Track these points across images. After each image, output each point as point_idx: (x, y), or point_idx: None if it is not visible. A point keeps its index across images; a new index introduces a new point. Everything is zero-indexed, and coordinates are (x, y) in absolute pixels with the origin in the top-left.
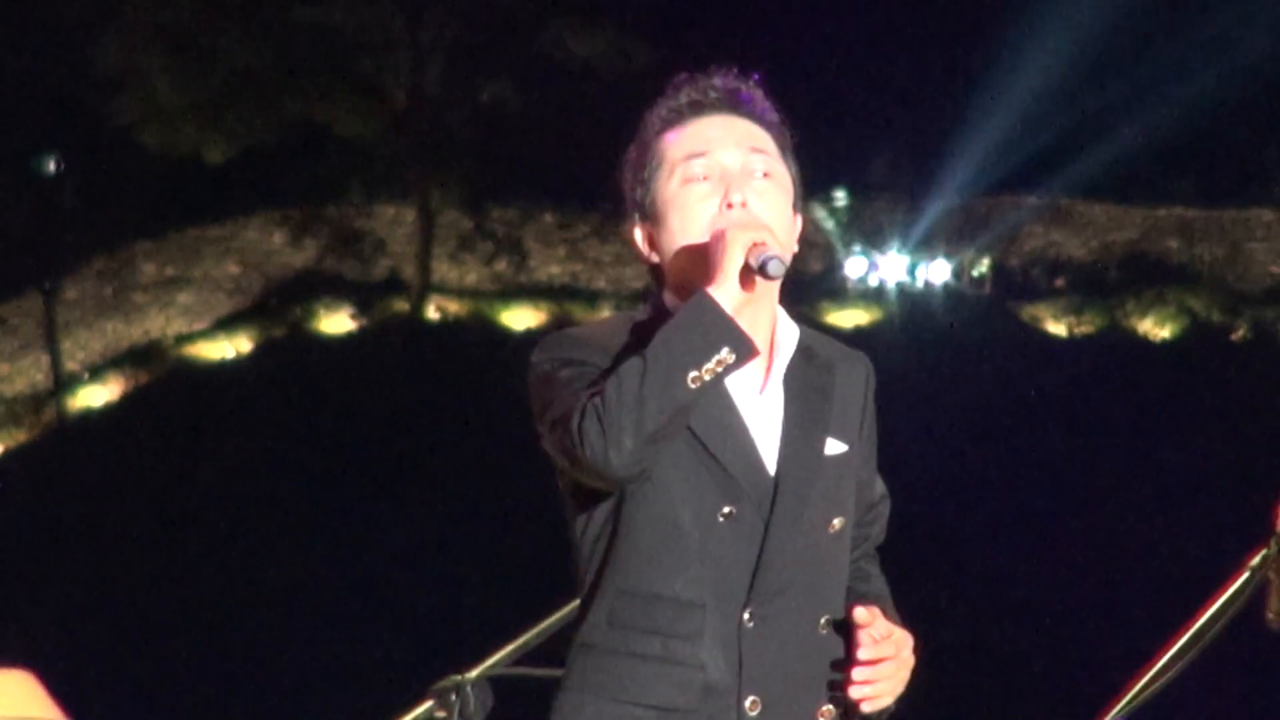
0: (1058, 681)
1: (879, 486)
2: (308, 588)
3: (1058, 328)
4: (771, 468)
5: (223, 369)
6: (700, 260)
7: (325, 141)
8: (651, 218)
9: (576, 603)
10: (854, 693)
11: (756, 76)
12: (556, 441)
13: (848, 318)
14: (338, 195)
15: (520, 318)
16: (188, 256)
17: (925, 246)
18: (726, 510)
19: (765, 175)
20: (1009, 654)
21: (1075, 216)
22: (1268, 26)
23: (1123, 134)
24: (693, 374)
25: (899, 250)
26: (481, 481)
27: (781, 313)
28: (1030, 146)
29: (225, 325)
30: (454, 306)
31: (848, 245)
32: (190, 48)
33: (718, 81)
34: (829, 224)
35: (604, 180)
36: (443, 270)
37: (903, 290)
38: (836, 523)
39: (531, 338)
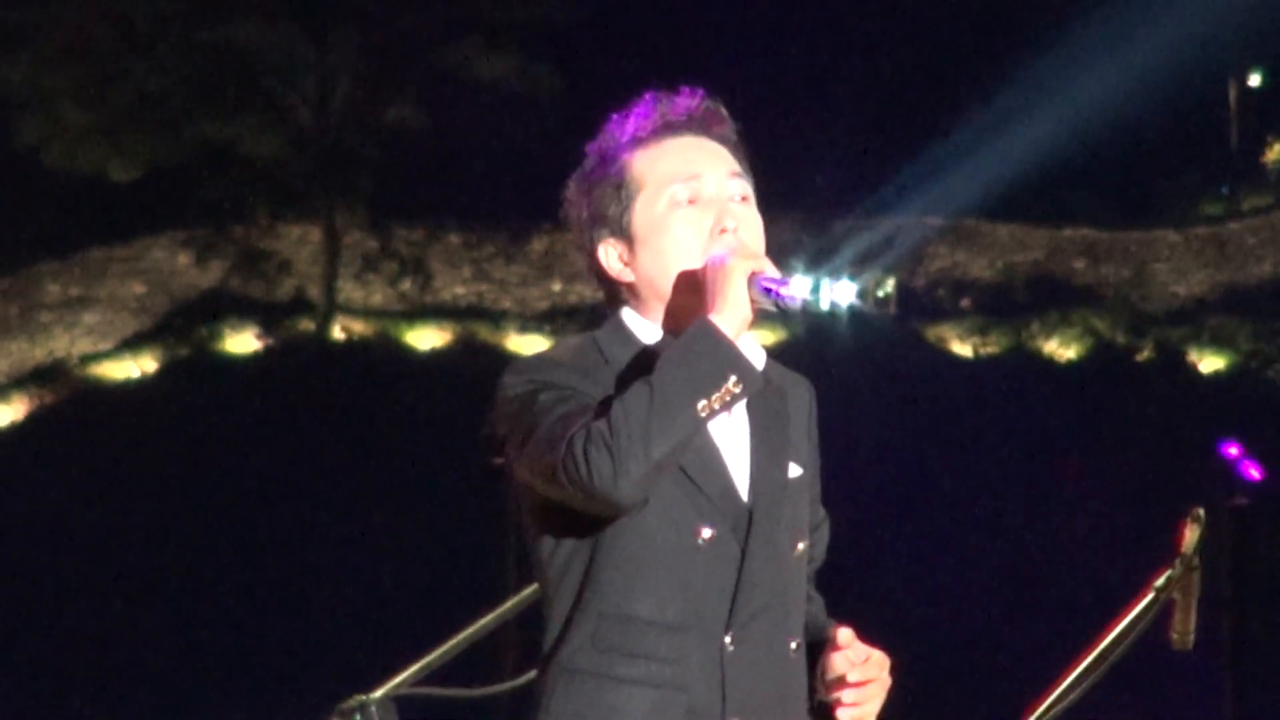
0: (962, 704)
1: (822, 511)
2: (212, 607)
3: (963, 348)
4: (744, 491)
5: (128, 389)
6: (691, 286)
7: (231, 162)
8: (630, 238)
9: (481, 623)
10: (843, 715)
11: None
12: (548, 466)
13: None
14: (243, 215)
15: (425, 338)
16: (93, 276)
17: (830, 266)
18: (707, 534)
19: (745, 200)
20: (910, 676)
21: (980, 237)
22: (1172, 49)
23: (1028, 155)
24: (702, 403)
25: (804, 271)
26: (387, 501)
27: (748, 335)
28: (936, 167)
29: (130, 345)
30: (359, 326)
31: None
32: (97, 68)
33: (689, 102)
34: None
35: (509, 200)
36: (348, 290)
37: (807, 311)
38: (800, 546)
39: (437, 358)
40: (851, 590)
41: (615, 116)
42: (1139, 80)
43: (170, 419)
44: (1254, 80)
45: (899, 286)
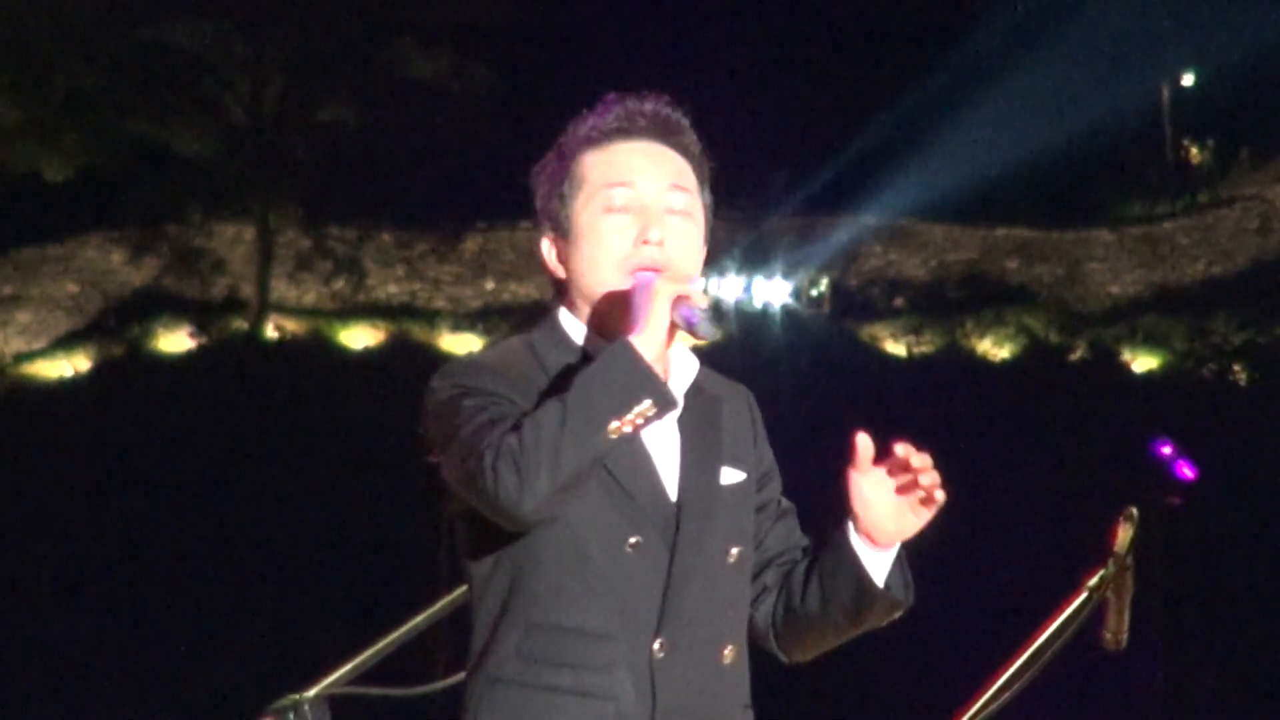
0: (894, 703)
1: (780, 502)
2: (145, 606)
3: (897, 347)
4: (673, 496)
5: (61, 388)
6: (619, 301)
7: (164, 160)
8: (565, 236)
9: (413, 623)
10: (926, 480)
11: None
12: (464, 475)
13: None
14: (177, 214)
15: (358, 337)
16: (25, 275)
17: (763, 266)
18: (634, 540)
19: (684, 214)
20: (844, 674)
21: (914, 236)
22: (1106, 49)
23: (961, 154)
24: (614, 424)
25: (736, 270)
26: (319, 500)
27: (680, 345)
28: (869, 166)
29: (63, 344)
30: (292, 325)
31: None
32: (29, 66)
33: (648, 107)
34: None
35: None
36: (281, 289)
37: (740, 310)
38: (735, 551)
39: (370, 356)
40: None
41: (584, 112)
42: (1072, 80)
43: (103, 418)
44: (1187, 80)
45: (833, 286)
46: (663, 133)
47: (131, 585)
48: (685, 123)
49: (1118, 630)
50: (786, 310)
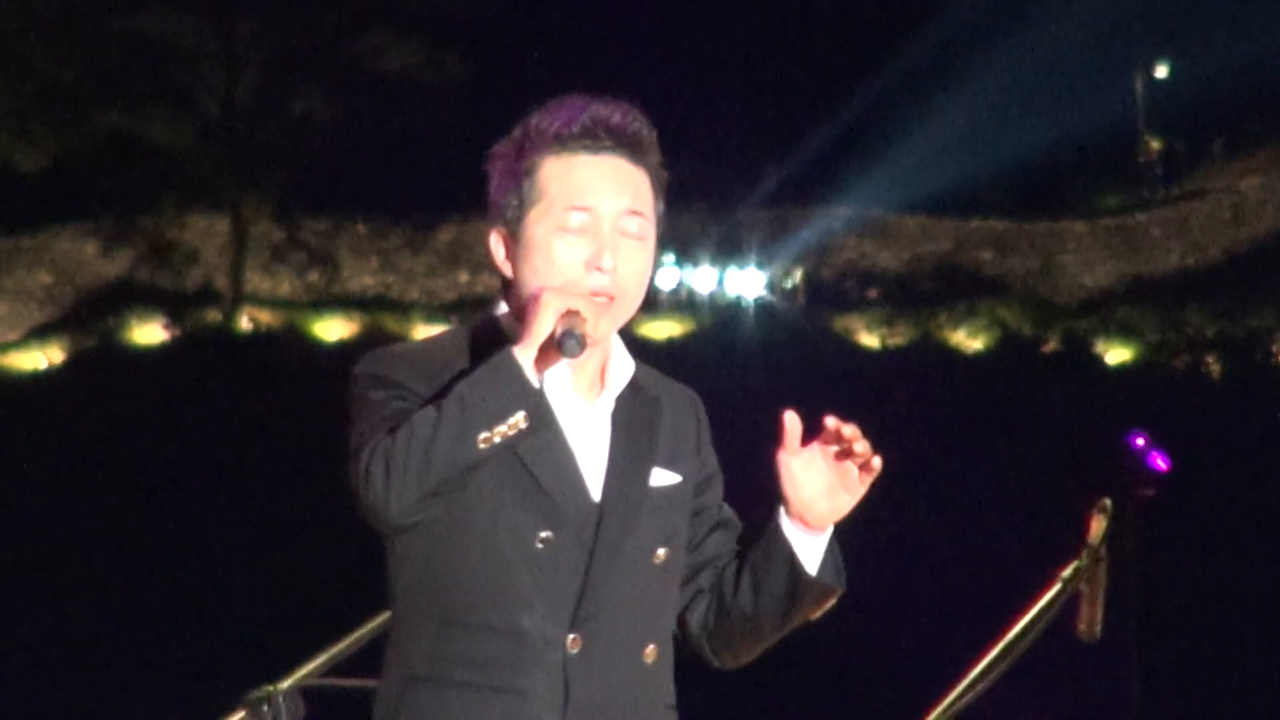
0: (867, 697)
1: (721, 510)
2: (120, 598)
3: (870, 339)
4: (596, 495)
5: (35, 379)
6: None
7: (138, 152)
8: (515, 240)
9: (387, 615)
10: (860, 448)
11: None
12: (350, 470)
13: (659, 329)
14: (150, 206)
15: (332, 328)
16: None
17: (737, 257)
18: (544, 535)
19: (638, 238)
20: (816, 668)
21: (888, 228)
22: (1079, 41)
23: (935, 146)
24: (483, 434)
25: (710, 261)
26: (293, 492)
27: (619, 345)
28: (843, 158)
29: (37, 335)
30: (266, 317)
31: (658, 256)
32: (2, 58)
33: (615, 119)
34: None
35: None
36: (255, 281)
37: (714, 301)
38: (661, 553)
39: (344, 348)
40: None
41: (550, 103)
42: (1046, 72)
43: (77, 409)
44: (1160, 72)
45: (806, 277)
46: (627, 149)
47: (105, 577)
48: (651, 135)
49: (1092, 622)
50: (760, 302)
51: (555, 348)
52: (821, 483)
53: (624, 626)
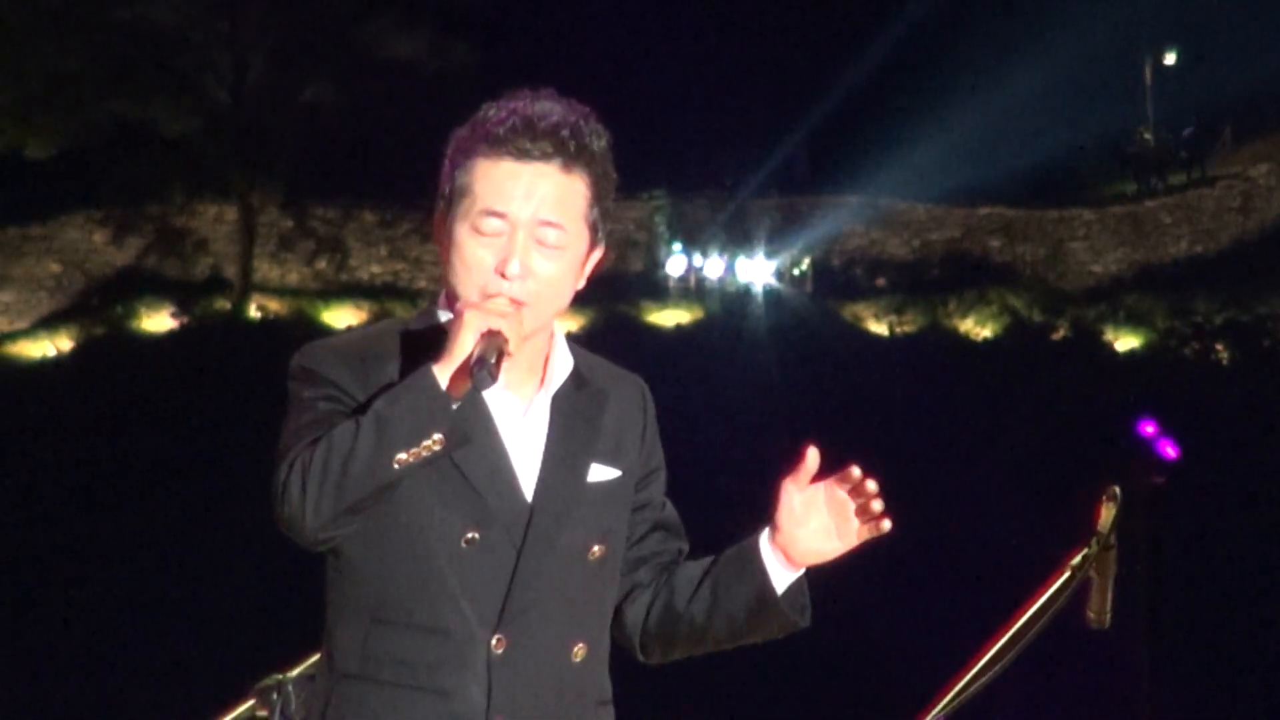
0: (876, 681)
1: (660, 507)
2: (128, 587)
3: (879, 327)
4: (529, 493)
5: (44, 367)
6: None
7: (146, 141)
8: (447, 231)
9: None
10: (876, 506)
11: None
12: (271, 479)
13: (668, 317)
14: (159, 194)
15: (341, 317)
16: (8, 255)
17: (746, 245)
18: (470, 535)
19: (554, 248)
20: (826, 653)
21: (897, 216)
22: (1089, 29)
23: (944, 134)
24: (400, 455)
25: (719, 249)
26: None
27: (559, 340)
28: (852, 146)
29: (46, 324)
30: (275, 305)
31: (668, 244)
32: (9, 47)
33: (550, 121)
34: (648, 223)
35: (425, 179)
36: (264, 269)
37: (723, 289)
38: (597, 549)
39: None
40: None
41: (506, 96)
42: (1055, 59)
43: (86, 397)
44: (1169, 59)
45: (815, 265)
46: (559, 156)
47: (113, 566)
48: (593, 142)
49: (1101, 610)
50: (769, 289)
51: (469, 371)
52: (817, 522)
53: (552, 625)
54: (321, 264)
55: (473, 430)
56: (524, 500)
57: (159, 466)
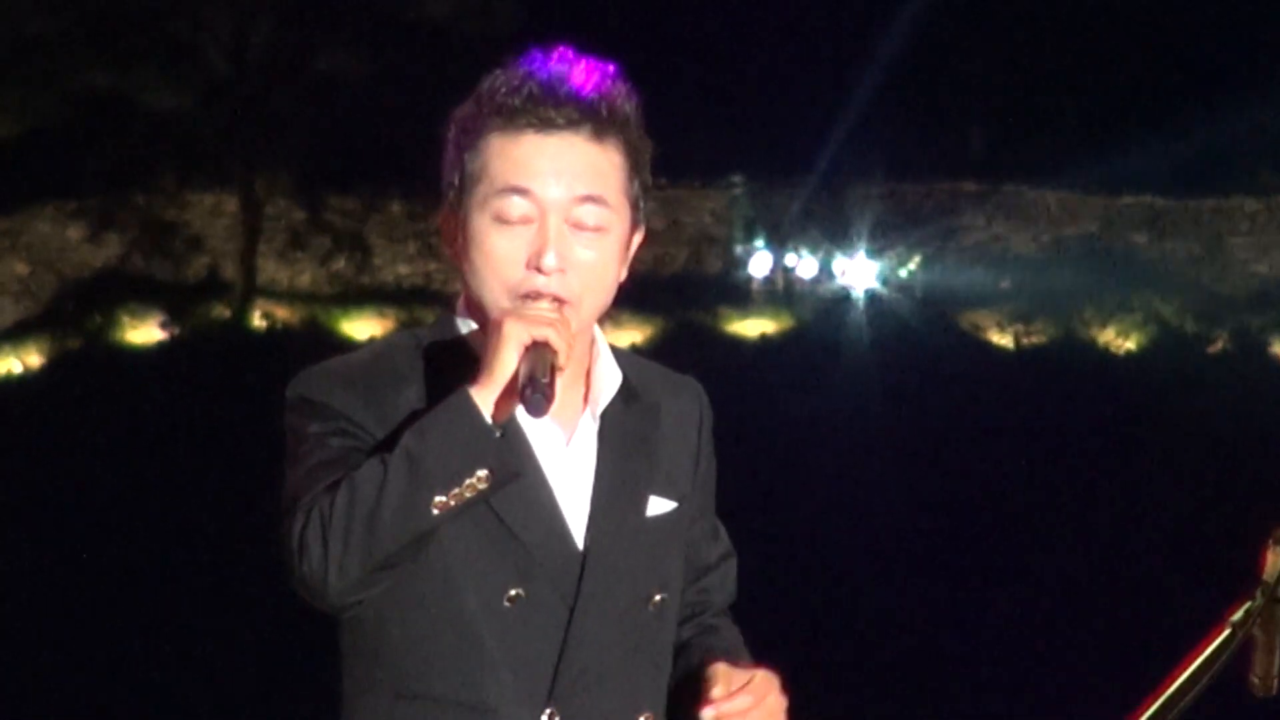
0: None
1: (720, 545)
2: (107, 638)
3: (1003, 338)
4: (579, 537)
5: (8, 387)
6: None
7: (131, 118)
8: (461, 227)
9: None
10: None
11: (613, 71)
12: (280, 534)
13: (751, 327)
14: (145, 181)
15: (363, 327)
16: None
17: (844, 242)
18: (513, 593)
19: (595, 230)
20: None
21: (1024, 206)
22: None
23: (1080, 110)
24: (439, 498)
25: (812, 247)
26: None
27: (603, 346)
28: (971, 124)
29: (11, 336)
30: (284, 313)
31: (750, 241)
32: None
33: (571, 86)
34: (727, 215)
35: None
36: (271, 270)
37: (817, 294)
38: (658, 599)
39: None
40: (863, 614)
41: (513, 61)
42: (1212, 21)
43: (58, 422)
44: None
45: (926, 265)
46: (586, 123)
47: (92, 614)
48: (623, 103)
49: (1268, 674)
50: (871, 295)
51: (519, 397)
52: None
53: (613, 695)
54: (339, 264)
55: (519, 471)
56: (574, 547)
57: (145, 501)
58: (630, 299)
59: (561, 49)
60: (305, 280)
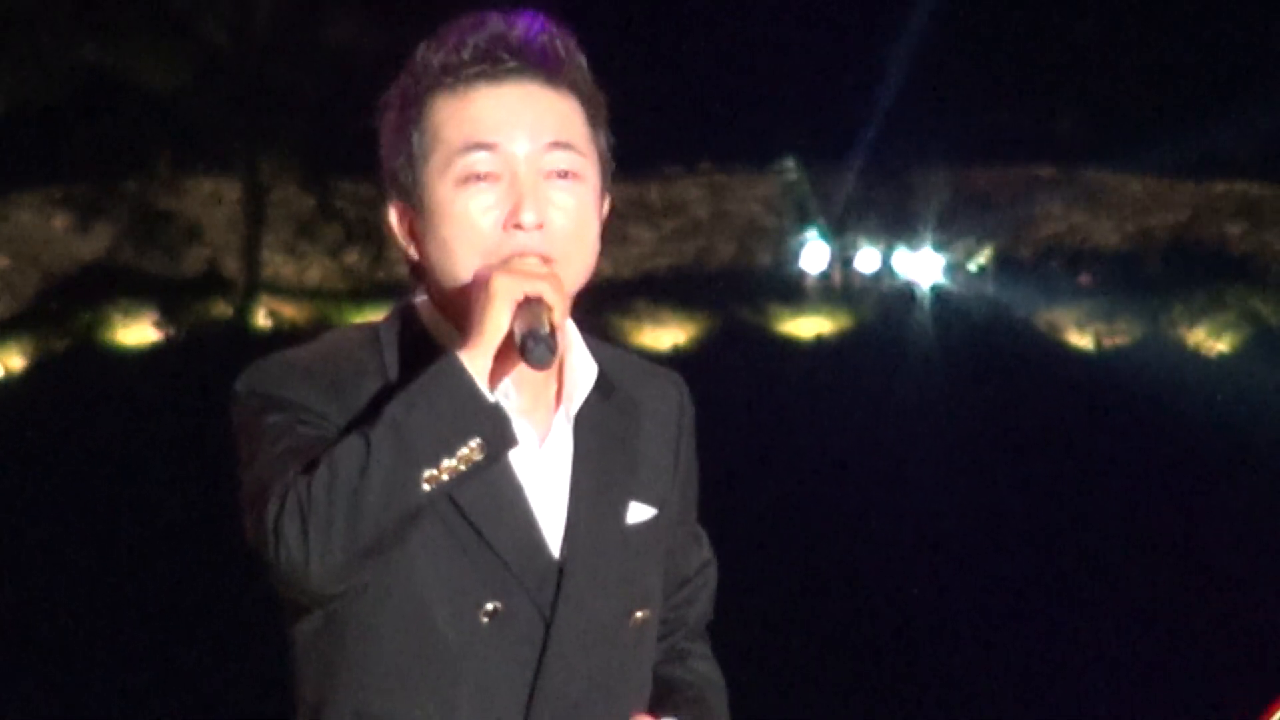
0: None
1: (701, 552)
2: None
3: (1082, 339)
4: (555, 547)
5: None
6: (469, 296)
7: (121, 97)
8: (417, 209)
9: None
10: None
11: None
12: (250, 523)
13: (805, 326)
14: (138, 166)
15: None
16: None
17: (907, 233)
18: (490, 607)
19: (569, 175)
20: None
21: (1106, 193)
22: None
23: (1167, 87)
24: (428, 472)
25: (872, 238)
26: None
27: (575, 336)
28: (1047, 103)
29: None
30: (290, 311)
31: (803, 231)
32: None
33: (516, 32)
34: (778, 203)
35: None
36: (276, 263)
37: (878, 290)
38: (639, 615)
39: None
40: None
41: (441, 29)
42: None
43: (44, 429)
44: None
45: (998, 258)
46: (540, 70)
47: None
48: (572, 52)
49: None
50: (937, 291)
51: (519, 353)
52: None
53: (594, 715)
54: (351, 257)
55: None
56: (550, 557)
57: (138, 515)
58: (672, 296)
59: (495, 9)
60: (314, 275)
